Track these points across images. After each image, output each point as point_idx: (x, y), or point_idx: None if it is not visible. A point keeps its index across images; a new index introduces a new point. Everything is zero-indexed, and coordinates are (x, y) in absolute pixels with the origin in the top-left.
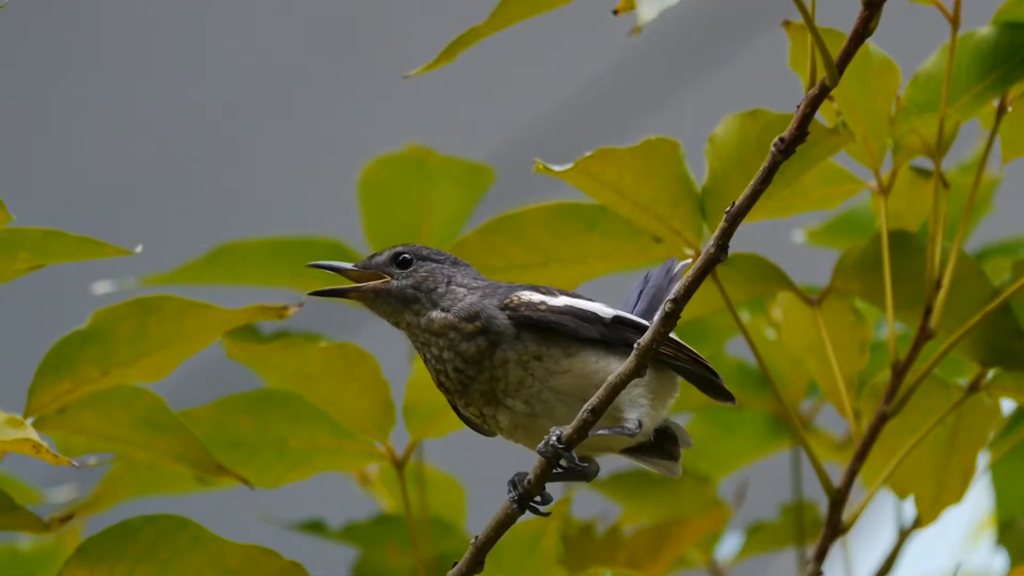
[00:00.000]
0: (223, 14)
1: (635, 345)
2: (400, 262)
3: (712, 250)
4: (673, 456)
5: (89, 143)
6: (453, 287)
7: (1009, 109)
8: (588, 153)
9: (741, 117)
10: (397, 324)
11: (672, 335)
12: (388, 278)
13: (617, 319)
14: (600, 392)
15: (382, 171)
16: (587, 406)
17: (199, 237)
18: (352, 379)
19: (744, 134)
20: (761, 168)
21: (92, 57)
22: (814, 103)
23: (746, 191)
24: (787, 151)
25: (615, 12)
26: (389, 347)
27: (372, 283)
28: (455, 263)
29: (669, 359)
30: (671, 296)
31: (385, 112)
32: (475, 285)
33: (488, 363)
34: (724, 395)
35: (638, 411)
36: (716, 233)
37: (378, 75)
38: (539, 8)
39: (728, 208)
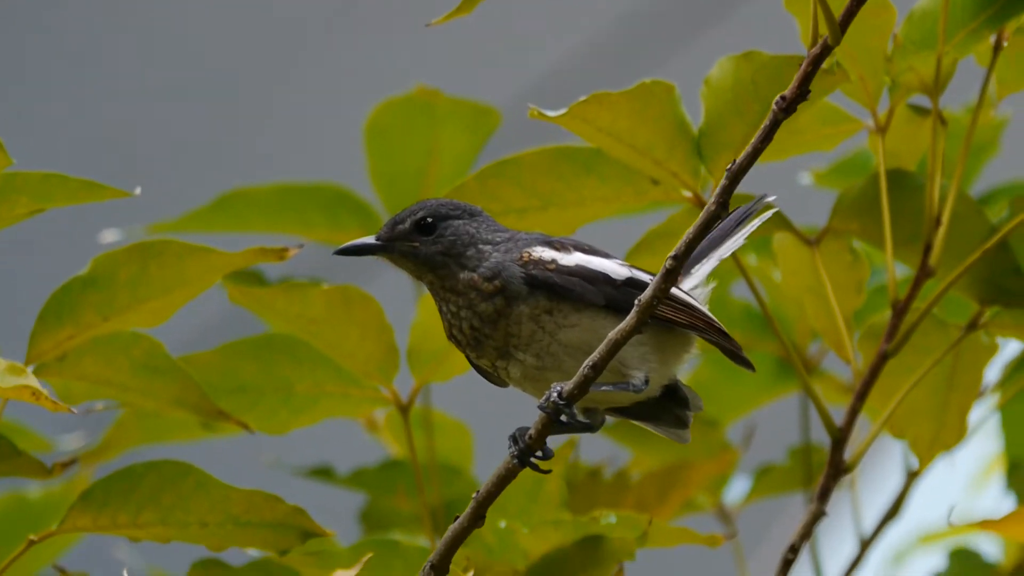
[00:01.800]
0: None
1: (636, 301)
2: (423, 228)
3: (713, 207)
4: (683, 422)
5: (93, 92)
6: (480, 246)
7: (1005, 45)
8: (583, 98)
9: (736, 59)
10: (419, 279)
11: (690, 299)
12: (416, 245)
13: (630, 280)
14: (601, 348)
15: (389, 114)
16: (588, 362)
17: (206, 186)
18: (355, 323)
19: (739, 76)
20: (762, 127)
21: (95, 3)
22: (816, 62)
23: (747, 149)
24: (788, 109)
25: None
26: (393, 291)
27: (400, 246)
28: (472, 215)
29: (683, 325)
30: (672, 253)
31: (394, 59)
32: (498, 240)
33: (504, 321)
34: (743, 362)
35: (645, 368)
36: (717, 190)
37: (387, 20)
38: None
39: (729, 165)
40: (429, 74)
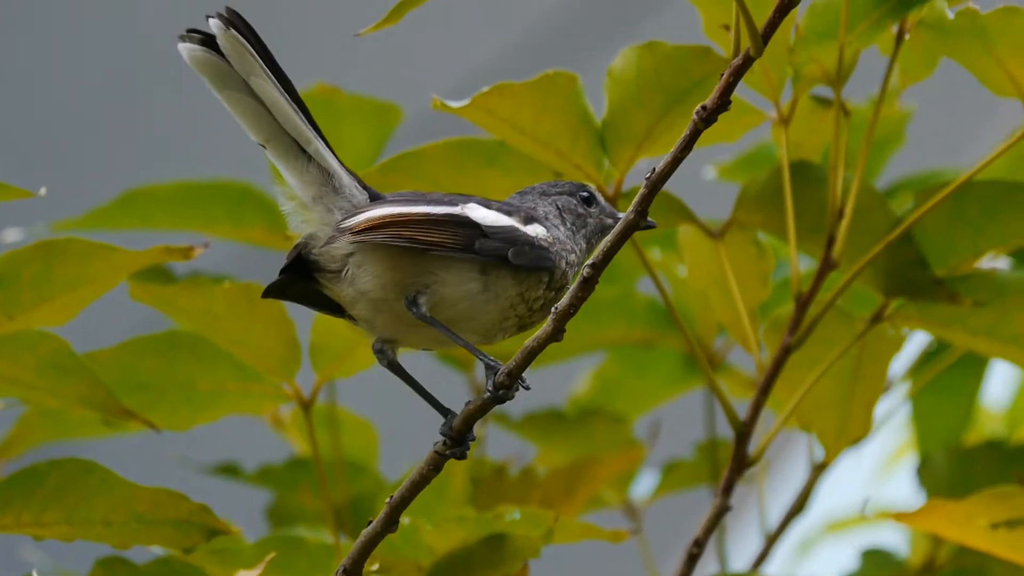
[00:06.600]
0: None
1: (553, 309)
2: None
3: (631, 216)
4: None
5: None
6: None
7: (907, 36)
8: (485, 88)
9: (639, 50)
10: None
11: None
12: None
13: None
14: (518, 356)
15: None
16: (508, 365)
17: (111, 184)
18: (257, 319)
19: (642, 67)
20: (682, 136)
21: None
22: (738, 73)
23: (667, 157)
24: (709, 120)
25: None
26: None
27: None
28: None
29: None
30: (590, 261)
31: (315, 58)
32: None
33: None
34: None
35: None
36: (635, 199)
37: (307, 17)
38: None
39: (648, 175)
40: (350, 72)
